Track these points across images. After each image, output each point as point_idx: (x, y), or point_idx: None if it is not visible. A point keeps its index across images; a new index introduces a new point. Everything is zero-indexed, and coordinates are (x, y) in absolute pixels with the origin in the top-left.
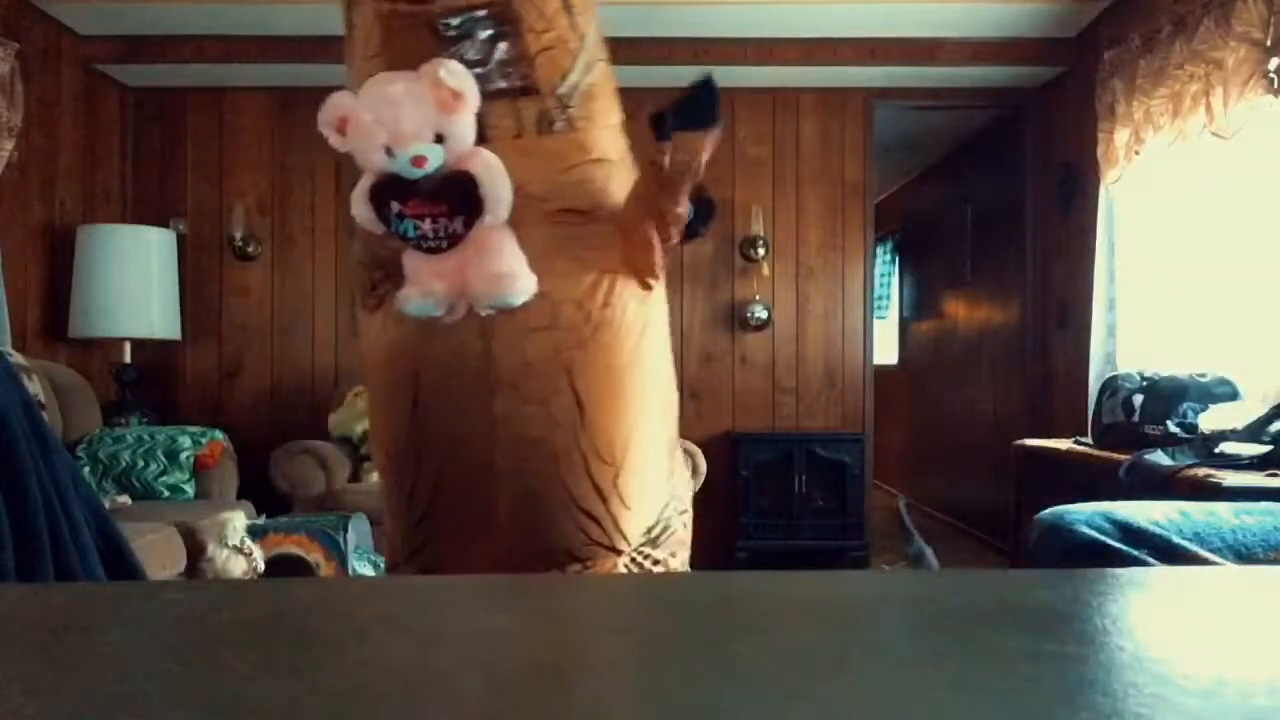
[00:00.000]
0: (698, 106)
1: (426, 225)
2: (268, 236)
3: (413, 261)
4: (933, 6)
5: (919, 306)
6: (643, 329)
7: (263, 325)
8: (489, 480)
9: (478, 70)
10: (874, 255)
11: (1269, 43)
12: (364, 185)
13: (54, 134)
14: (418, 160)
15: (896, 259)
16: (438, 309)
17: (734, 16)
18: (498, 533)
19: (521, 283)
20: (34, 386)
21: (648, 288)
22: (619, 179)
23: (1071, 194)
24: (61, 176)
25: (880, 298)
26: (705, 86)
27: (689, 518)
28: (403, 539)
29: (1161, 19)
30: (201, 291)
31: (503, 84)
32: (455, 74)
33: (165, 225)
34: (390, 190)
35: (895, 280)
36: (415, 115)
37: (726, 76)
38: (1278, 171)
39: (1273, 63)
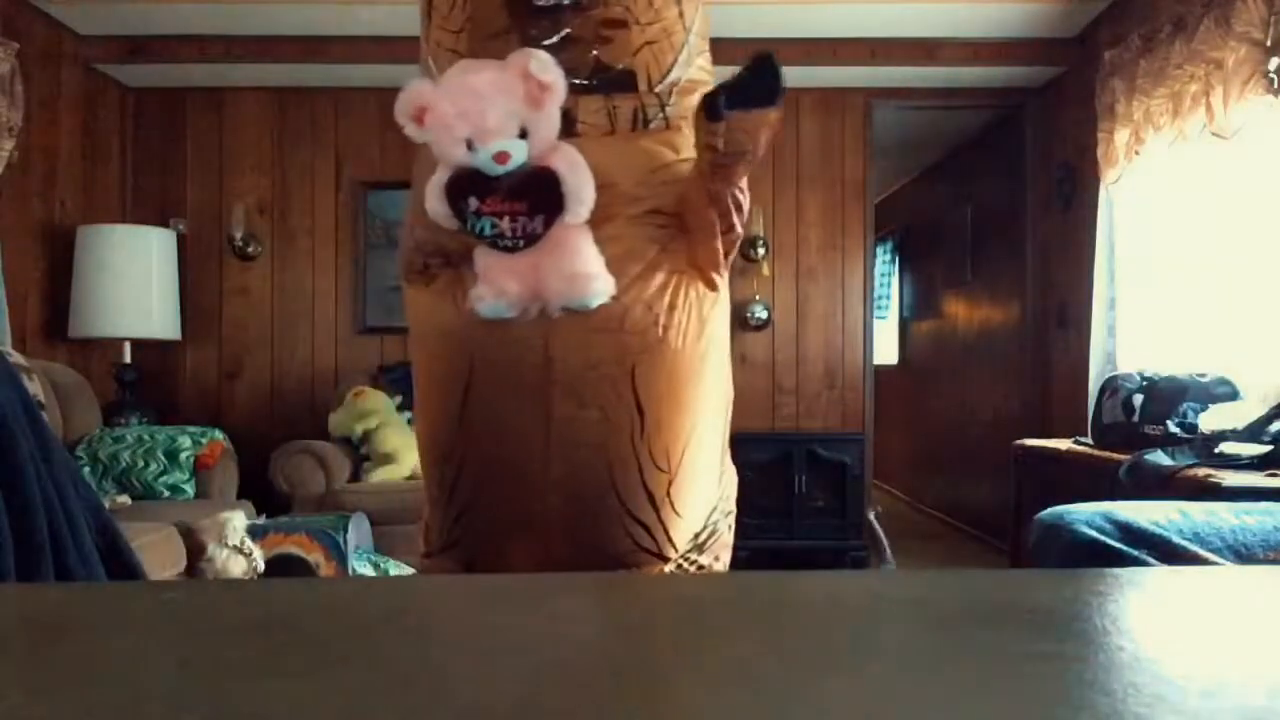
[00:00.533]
0: (757, 84)
1: (505, 224)
2: (268, 236)
3: (486, 259)
4: (933, 6)
5: (919, 306)
6: (709, 332)
7: (263, 325)
8: (539, 482)
9: (571, 56)
10: (874, 255)
11: (1269, 43)
12: (440, 178)
13: (54, 134)
14: (500, 156)
15: (896, 259)
16: (511, 310)
17: (734, 16)
18: (544, 535)
19: (598, 284)
20: (34, 386)
21: (713, 287)
22: None
23: (1071, 194)
24: (61, 176)
25: (880, 298)
26: (766, 62)
27: (733, 518)
28: (440, 529)
29: (1161, 19)
30: (201, 291)
31: (597, 80)
32: (545, 65)
33: (165, 225)
34: (468, 186)
35: (895, 280)
36: (501, 109)
37: (727, 76)
38: (1278, 171)
39: (1273, 63)
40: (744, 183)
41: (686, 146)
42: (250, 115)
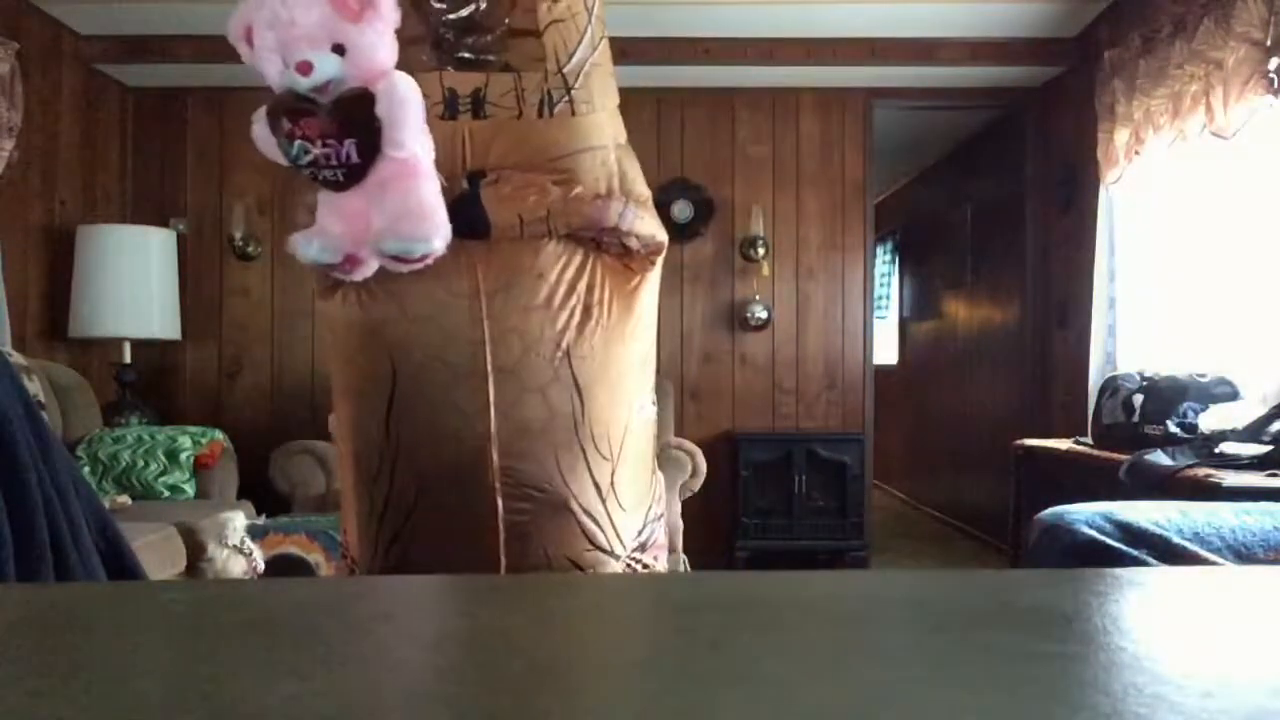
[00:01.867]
0: (463, 216)
1: (317, 149)
2: (268, 236)
3: (320, 203)
4: (933, 6)
5: (919, 306)
6: (637, 311)
7: (263, 325)
8: (482, 478)
9: (481, 38)
10: (874, 255)
11: (1269, 43)
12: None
13: (54, 134)
14: (302, 66)
15: (896, 259)
16: (333, 255)
17: (734, 16)
18: (491, 536)
19: (426, 226)
20: (34, 386)
21: (632, 270)
22: (615, 163)
23: (1071, 194)
24: (61, 176)
25: (880, 298)
26: (467, 196)
27: (664, 522)
28: (372, 557)
29: (1161, 19)
30: (201, 291)
31: (502, 56)
32: None
33: (165, 225)
34: (285, 108)
35: (895, 280)
36: (307, 18)
37: (727, 76)
38: (1278, 171)
39: (1273, 63)
40: (637, 224)
41: (592, 133)
42: (250, 115)
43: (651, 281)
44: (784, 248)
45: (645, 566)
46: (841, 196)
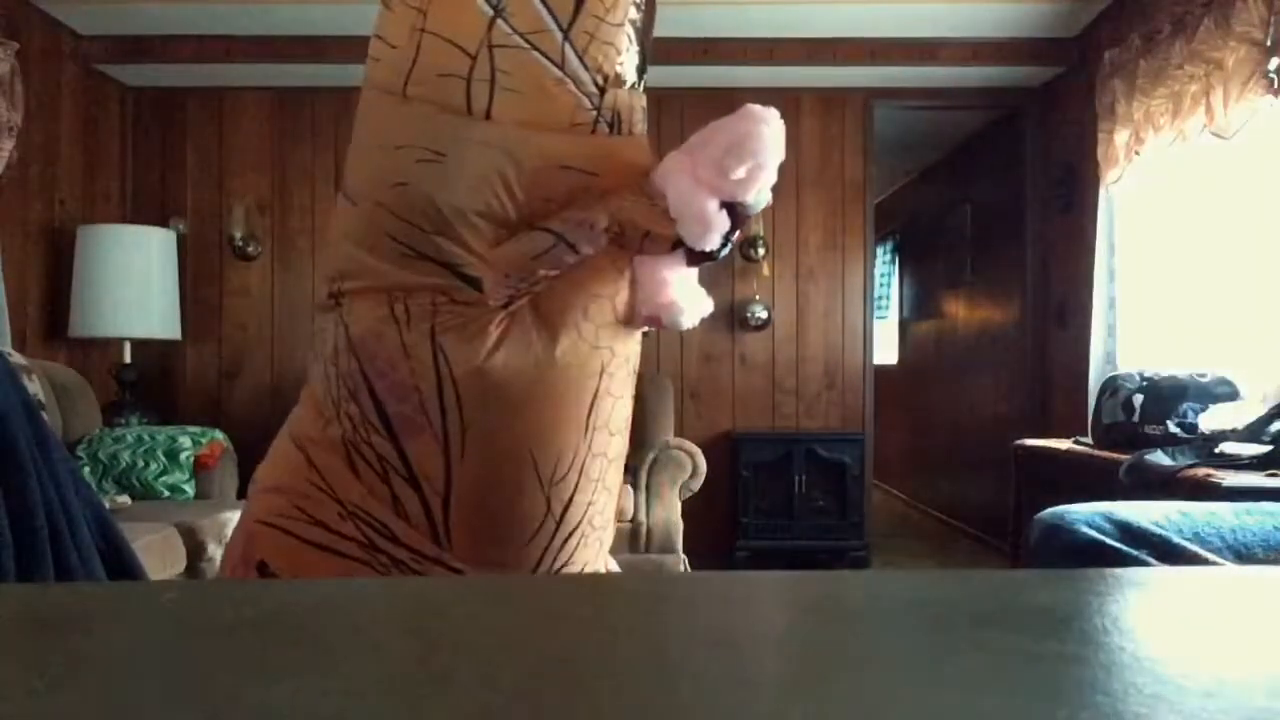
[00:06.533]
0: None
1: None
2: (268, 236)
3: (677, 282)
4: (933, 6)
5: (919, 306)
6: None
7: (263, 325)
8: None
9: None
10: (874, 255)
11: (1269, 43)
12: (714, 204)
13: (54, 134)
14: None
15: (896, 259)
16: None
17: (734, 16)
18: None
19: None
20: (34, 386)
21: None
22: None
23: (1071, 194)
24: (61, 176)
25: (880, 298)
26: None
27: None
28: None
29: (1161, 19)
30: (201, 291)
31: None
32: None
33: (165, 225)
34: (734, 219)
35: (895, 280)
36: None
37: (727, 76)
38: (1278, 171)
39: (1273, 63)
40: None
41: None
42: (250, 115)
43: None
44: (784, 248)
45: None
46: (841, 197)
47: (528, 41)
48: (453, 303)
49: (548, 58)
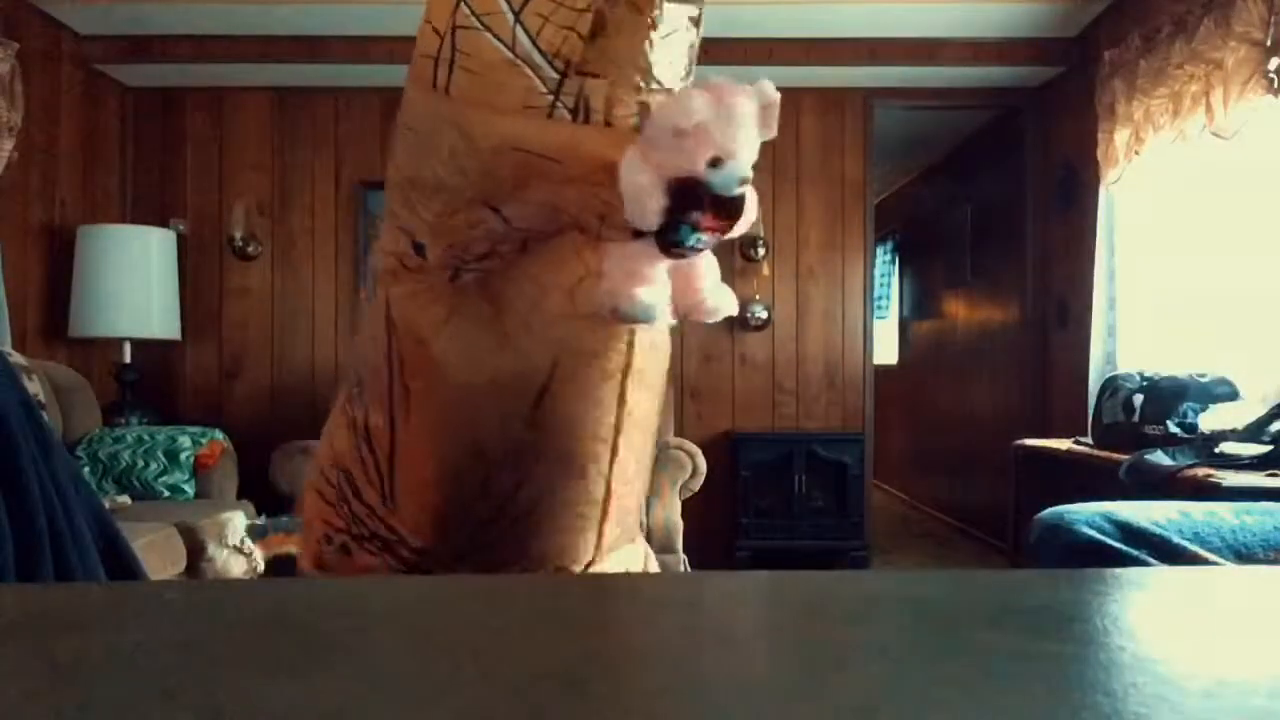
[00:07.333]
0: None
1: (706, 240)
2: (268, 236)
3: (639, 262)
4: (933, 6)
5: (919, 306)
6: None
7: (263, 325)
8: (596, 475)
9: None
10: (874, 255)
11: (1269, 43)
12: (658, 180)
13: (54, 134)
14: (744, 181)
15: (896, 259)
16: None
17: (734, 16)
18: (594, 527)
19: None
20: (34, 386)
21: None
22: None
23: (1071, 194)
24: (61, 176)
25: (880, 298)
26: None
27: None
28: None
29: (1161, 19)
30: (201, 291)
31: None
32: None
33: (165, 225)
34: (693, 199)
35: (895, 280)
36: (754, 137)
37: (727, 76)
38: (1278, 171)
39: (1273, 63)
40: None
41: None
42: (250, 115)
43: None
44: (784, 248)
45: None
46: (841, 196)
47: (481, 23)
48: (404, 268)
49: (499, 39)
